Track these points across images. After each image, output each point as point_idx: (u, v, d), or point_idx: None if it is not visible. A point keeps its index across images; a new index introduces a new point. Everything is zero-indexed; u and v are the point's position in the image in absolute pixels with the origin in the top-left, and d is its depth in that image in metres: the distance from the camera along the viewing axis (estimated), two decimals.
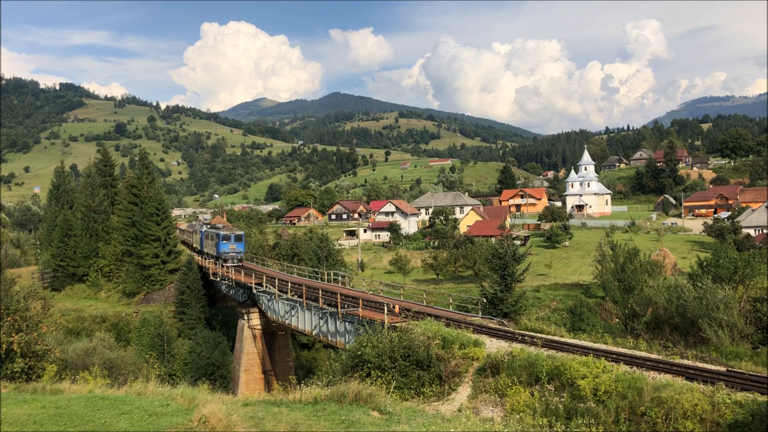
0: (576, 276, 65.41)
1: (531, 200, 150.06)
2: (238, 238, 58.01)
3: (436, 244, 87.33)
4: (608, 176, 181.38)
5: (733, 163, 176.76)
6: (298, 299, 37.98)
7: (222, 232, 57.88)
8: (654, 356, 21.62)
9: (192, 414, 12.07)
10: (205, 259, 64.20)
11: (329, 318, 34.50)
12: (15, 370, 20.68)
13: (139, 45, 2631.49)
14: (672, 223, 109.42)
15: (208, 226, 72.39)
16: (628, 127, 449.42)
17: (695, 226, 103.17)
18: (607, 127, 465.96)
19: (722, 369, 19.66)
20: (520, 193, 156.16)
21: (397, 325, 25.66)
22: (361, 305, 31.42)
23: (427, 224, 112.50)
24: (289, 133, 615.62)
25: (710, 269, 38.12)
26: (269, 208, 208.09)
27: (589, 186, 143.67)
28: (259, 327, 49.21)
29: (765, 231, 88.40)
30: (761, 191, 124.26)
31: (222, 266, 55.43)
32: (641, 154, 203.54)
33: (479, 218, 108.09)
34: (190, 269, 61.54)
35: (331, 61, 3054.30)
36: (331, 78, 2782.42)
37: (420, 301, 38.49)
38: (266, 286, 43.84)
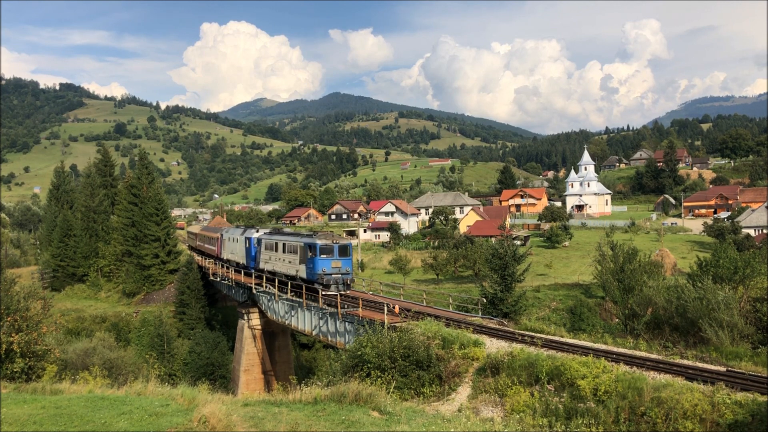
0: (576, 276, 65.41)
1: (531, 200, 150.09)
2: (343, 251, 36.70)
3: (436, 244, 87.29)
4: (608, 176, 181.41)
5: (733, 163, 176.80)
6: (298, 299, 37.99)
7: (319, 242, 36.18)
8: (654, 356, 21.62)
9: (192, 414, 12.07)
10: (254, 277, 47.26)
11: (329, 318, 34.50)
12: (15, 370, 20.66)
13: (139, 45, 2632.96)
14: (672, 223, 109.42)
15: (268, 231, 49.05)
16: (628, 127, 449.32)
17: (695, 226, 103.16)
18: (606, 127, 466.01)
19: (722, 369, 19.66)
20: (520, 193, 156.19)
21: (397, 325, 25.66)
22: (361, 305, 31.43)
23: (427, 224, 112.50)
24: (289, 133, 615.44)
25: (710, 269, 38.13)
26: (269, 208, 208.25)
27: (589, 186, 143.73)
28: (259, 327, 49.22)
29: (765, 231, 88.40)
30: (761, 191, 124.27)
31: (323, 294, 35.44)
32: (641, 154, 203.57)
33: (479, 218, 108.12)
34: (190, 269, 61.56)
35: (331, 61, 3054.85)
36: (331, 78, 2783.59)
37: (420, 301, 38.50)
38: (266, 286, 43.85)
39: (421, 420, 13.32)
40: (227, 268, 54.69)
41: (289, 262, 40.02)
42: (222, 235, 59.45)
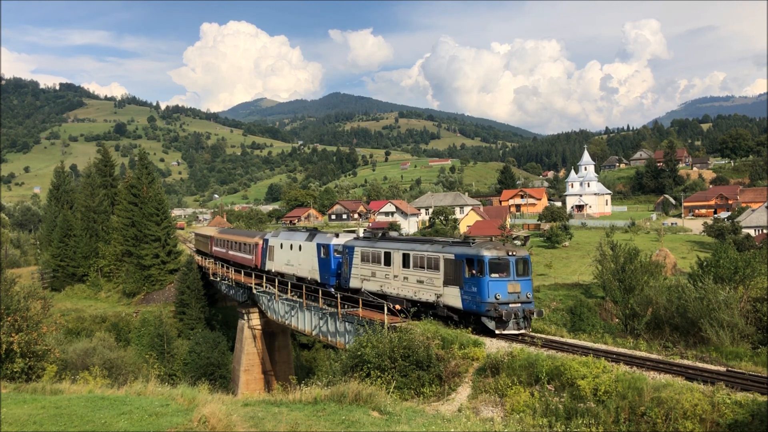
0: (576, 276, 65.44)
1: (531, 200, 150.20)
2: (522, 267, 24.84)
3: None
4: (608, 176, 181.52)
5: (733, 163, 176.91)
6: (298, 299, 37.99)
7: (487, 254, 24.27)
8: (654, 356, 21.61)
9: (192, 414, 12.08)
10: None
11: (329, 318, 34.50)
12: (15, 370, 20.68)
13: (139, 45, 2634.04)
14: (672, 223, 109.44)
15: (363, 236, 35.30)
16: (628, 127, 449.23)
17: (695, 226, 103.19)
18: (606, 127, 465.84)
19: (722, 369, 19.64)
20: (520, 193, 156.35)
21: (396, 325, 25.66)
22: (360, 305, 31.41)
23: (427, 224, 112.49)
24: (289, 133, 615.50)
25: (710, 269, 38.15)
26: (269, 208, 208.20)
27: (589, 186, 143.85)
28: (259, 327, 49.26)
29: (765, 231, 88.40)
30: (761, 191, 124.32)
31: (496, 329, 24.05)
32: (641, 154, 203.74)
33: (479, 218, 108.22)
34: (190, 269, 61.62)
35: (330, 61, 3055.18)
36: (331, 78, 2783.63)
37: None
38: (266, 287, 43.87)
39: (421, 420, 13.33)
40: (263, 278, 45.54)
41: (420, 281, 27.62)
42: (267, 240, 46.36)
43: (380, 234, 34.23)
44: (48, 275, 73.07)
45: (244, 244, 52.77)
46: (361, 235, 36.45)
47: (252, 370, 49.28)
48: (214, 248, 63.51)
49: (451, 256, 25.83)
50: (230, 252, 57.05)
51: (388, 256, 30.29)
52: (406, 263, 28.79)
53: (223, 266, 57.15)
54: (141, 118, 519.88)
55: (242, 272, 51.15)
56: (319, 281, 37.31)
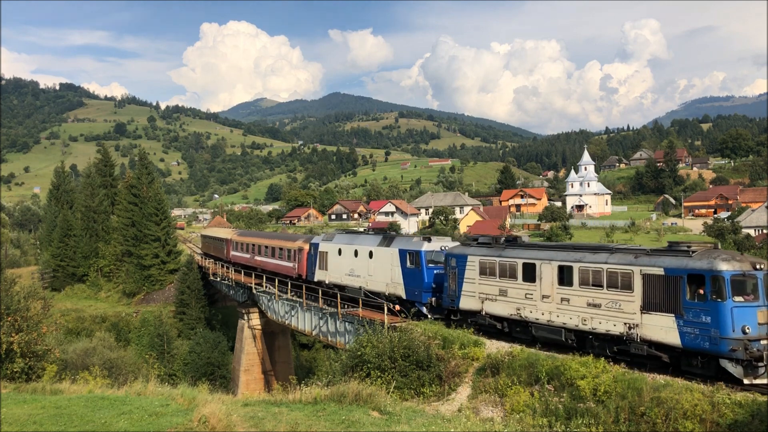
0: None
1: (531, 200, 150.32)
2: None
3: None
4: (608, 176, 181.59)
5: (733, 163, 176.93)
6: (298, 299, 38.00)
7: (725, 267, 17.09)
8: None
9: (192, 414, 12.10)
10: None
11: (329, 318, 34.53)
12: (15, 370, 20.72)
13: (139, 45, 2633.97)
14: (672, 223, 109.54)
15: (484, 239, 27.36)
16: (628, 127, 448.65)
17: (695, 226, 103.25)
18: (606, 127, 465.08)
19: None
20: (520, 193, 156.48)
21: (397, 325, 25.68)
22: (360, 305, 31.42)
23: (427, 224, 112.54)
24: (289, 133, 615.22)
25: None
26: (269, 208, 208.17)
27: (589, 186, 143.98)
28: (259, 327, 49.28)
29: (765, 231, 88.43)
30: (761, 191, 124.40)
31: None
32: (641, 154, 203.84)
33: (479, 218, 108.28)
34: (190, 269, 61.65)
35: (330, 61, 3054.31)
36: (331, 78, 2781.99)
37: None
38: (266, 286, 43.87)
39: (421, 420, 13.35)
40: (322, 293, 35.13)
41: (593, 305, 20.43)
42: (316, 244, 38.31)
43: (505, 239, 26.60)
44: (48, 275, 73.06)
45: (281, 248, 44.16)
46: (476, 243, 27.29)
47: (252, 370, 49.31)
48: (233, 253, 55.44)
49: (658, 271, 18.64)
50: (258, 258, 48.76)
51: (530, 268, 22.82)
52: (565, 279, 21.50)
53: (224, 267, 56.92)
54: (141, 118, 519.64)
55: (252, 275, 50.76)
56: (404, 297, 29.69)
